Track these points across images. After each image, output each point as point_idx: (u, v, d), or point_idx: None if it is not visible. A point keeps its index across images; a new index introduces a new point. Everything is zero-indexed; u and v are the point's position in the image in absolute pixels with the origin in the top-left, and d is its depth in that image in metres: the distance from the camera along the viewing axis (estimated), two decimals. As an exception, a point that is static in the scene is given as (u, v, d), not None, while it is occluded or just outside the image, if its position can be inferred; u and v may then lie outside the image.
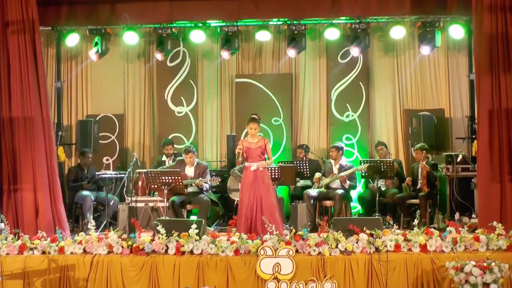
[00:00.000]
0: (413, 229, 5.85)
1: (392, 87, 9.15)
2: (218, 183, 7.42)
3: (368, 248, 5.58)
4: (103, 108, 9.33)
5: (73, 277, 5.65)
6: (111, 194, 7.70)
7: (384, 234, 5.68)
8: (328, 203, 7.66)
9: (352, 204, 8.06)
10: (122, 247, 5.75)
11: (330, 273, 5.48)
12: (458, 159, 7.35)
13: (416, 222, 5.81)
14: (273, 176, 7.03)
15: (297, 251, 5.60)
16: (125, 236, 5.92)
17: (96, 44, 8.48)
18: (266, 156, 6.52)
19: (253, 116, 6.61)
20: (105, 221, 7.40)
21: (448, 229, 5.84)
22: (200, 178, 7.28)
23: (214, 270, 5.56)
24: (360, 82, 9.04)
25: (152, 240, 5.77)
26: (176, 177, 7.01)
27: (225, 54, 8.61)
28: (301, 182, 8.24)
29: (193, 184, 7.33)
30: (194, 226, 5.75)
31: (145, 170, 7.70)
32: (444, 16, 8.01)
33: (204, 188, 7.36)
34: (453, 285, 5.30)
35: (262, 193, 6.33)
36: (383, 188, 7.93)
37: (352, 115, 9.04)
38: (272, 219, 6.14)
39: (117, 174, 7.86)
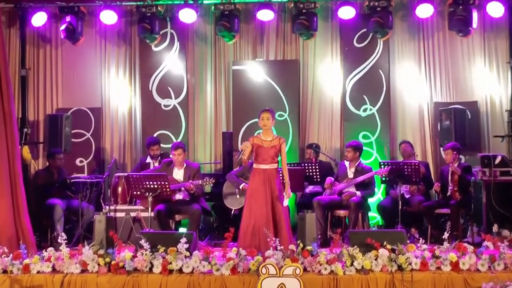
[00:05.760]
0: (442, 244, 5.83)
1: (418, 76, 9.13)
2: (211, 184, 7.42)
3: (389, 266, 5.57)
4: (76, 101, 9.32)
5: (40, 300, 5.65)
6: (86, 202, 7.69)
7: (408, 249, 5.67)
8: (341, 212, 7.66)
9: (370, 214, 8.06)
10: (99, 264, 5.74)
11: (344, 296, 5.48)
12: (496, 161, 7.33)
13: (446, 235, 5.79)
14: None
15: (305, 269, 5.59)
16: (102, 251, 5.91)
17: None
18: (279, 158, 6.47)
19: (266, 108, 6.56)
20: (78, 234, 7.38)
21: (484, 243, 5.82)
22: (191, 181, 7.26)
23: (207, 291, 5.55)
24: (380, 70, 9.03)
25: (134, 256, 5.76)
26: (163, 182, 7.00)
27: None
28: (310, 188, 8.24)
29: (182, 189, 7.32)
30: (183, 239, 5.75)
31: (126, 174, 7.68)
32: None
33: (196, 194, 7.35)
34: (491, 310, 5.29)
35: (274, 199, 6.27)
36: (407, 195, 7.93)
37: (371, 109, 9.03)
38: (281, 232, 6.13)
39: (92, 179, 7.84)
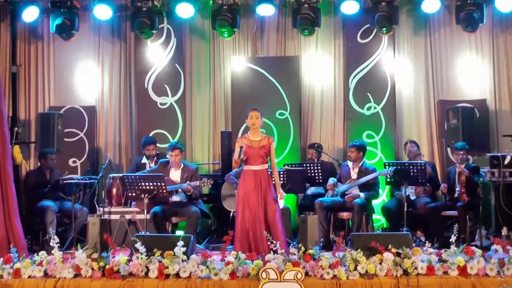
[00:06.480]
0: (449, 248, 5.83)
1: (424, 73, 9.14)
2: (209, 185, 7.42)
3: (394, 271, 5.56)
4: (69, 99, 9.33)
5: (31, 306, 5.64)
6: (79, 204, 7.69)
7: (414, 253, 5.66)
8: (345, 215, 7.67)
9: (374, 216, 8.07)
10: (92, 269, 5.73)
11: (347, 301, 5.47)
12: (506, 161, 7.31)
13: (453, 238, 5.79)
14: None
15: (306, 274, 5.58)
16: (95, 255, 5.89)
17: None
18: (268, 158, 6.50)
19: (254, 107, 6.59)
20: (71, 237, 7.39)
21: (493, 247, 5.82)
22: (188, 182, 7.26)
23: (205, 297, 5.55)
24: (385, 67, 9.03)
25: (129, 260, 5.76)
26: (159, 183, 7.00)
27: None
28: (312, 189, 8.23)
29: (180, 190, 7.32)
30: (180, 243, 5.74)
31: (121, 175, 7.67)
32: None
33: (193, 196, 7.34)
34: (500, 317, 5.29)
35: (266, 201, 6.31)
36: (412, 197, 7.92)
37: (375, 107, 9.03)
38: (275, 235, 6.13)
39: (86, 180, 7.83)
